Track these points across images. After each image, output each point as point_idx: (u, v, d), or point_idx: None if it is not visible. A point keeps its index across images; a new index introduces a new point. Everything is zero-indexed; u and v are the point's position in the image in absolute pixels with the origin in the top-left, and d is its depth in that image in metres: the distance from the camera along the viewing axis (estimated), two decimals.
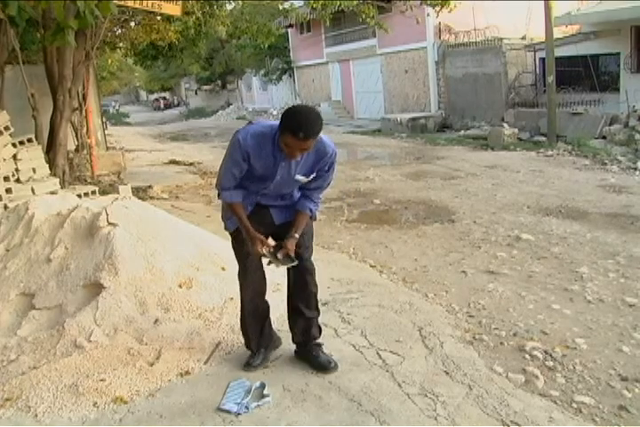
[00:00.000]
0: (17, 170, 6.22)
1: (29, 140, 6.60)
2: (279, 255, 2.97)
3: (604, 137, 12.38)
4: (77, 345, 3.36)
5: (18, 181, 6.23)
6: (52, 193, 5.84)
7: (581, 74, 14.43)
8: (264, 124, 2.88)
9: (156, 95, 51.25)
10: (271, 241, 3.06)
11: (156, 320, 3.57)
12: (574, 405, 2.90)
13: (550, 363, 3.33)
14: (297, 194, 3.11)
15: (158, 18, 10.40)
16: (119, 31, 11.98)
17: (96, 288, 3.66)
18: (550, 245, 5.65)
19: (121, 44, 13.73)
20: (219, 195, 3.06)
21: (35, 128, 7.39)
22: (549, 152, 11.80)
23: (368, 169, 11.01)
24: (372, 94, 22.84)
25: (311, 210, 3.09)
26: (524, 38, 16.78)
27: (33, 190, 6.14)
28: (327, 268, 4.85)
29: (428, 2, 11.18)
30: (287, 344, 3.44)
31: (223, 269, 4.09)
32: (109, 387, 3.03)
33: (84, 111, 8.60)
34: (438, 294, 4.47)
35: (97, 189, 7.37)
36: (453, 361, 3.29)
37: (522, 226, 6.36)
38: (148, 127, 28.82)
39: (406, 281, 4.81)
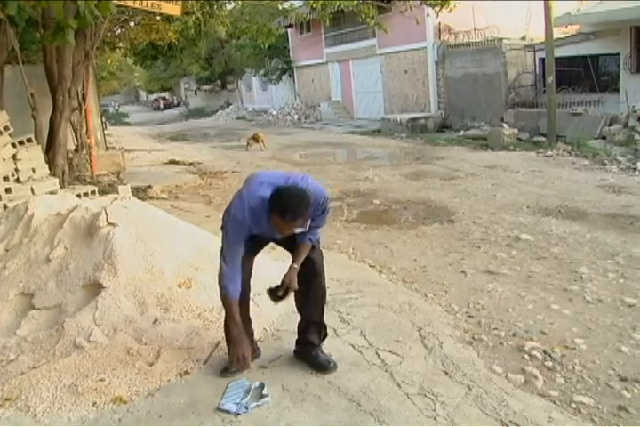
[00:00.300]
0: (16, 170, 6.22)
1: (29, 140, 6.60)
2: (279, 293, 3.02)
3: (603, 137, 12.38)
4: (77, 345, 3.36)
5: (17, 180, 6.23)
6: (52, 193, 5.84)
7: (581, 74, 14.44)
8: (255, 198, 2.84)
9: (155, 95, 51.25)
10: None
11: (156, 320, 3.57)
12: (573, 405, 2.90)
13: (549, 363, 3.33)
14: None
15: (158, 18, 10.40)
16: (119, 31, 11.98)
17: (95, 288, 3.66)
18: (550, 245, 5.65)
19: (120, 44, 13.73)
20: (223, 292, 2.99)
21: (34, 128, 7.39)
22: (549, 152, 11.80)
23: (368, 169, 11.01)
24: (371, 94, 22.84)
25: (311, 239, 3.10)
26: (523, 38, 16.78)
27: (32, 190, 6.14)
28: (327, 268, 4.79)
29: (428, 2, 11.18)
30: (287, 344, 3.44)
31: None
32: (109, 387, 3.03)
33: (83, 111, 8.61)
34: (438, 294, 4.48)
35: (96, 189, 7.37)
36: (453, 361, 3.29)
37: (521, 226, 6.37)
38: (147, 127, 28.82)
39: (406, 281, 4.81)
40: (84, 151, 8.75)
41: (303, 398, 2.94)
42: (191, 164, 12.81)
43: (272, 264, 4.39)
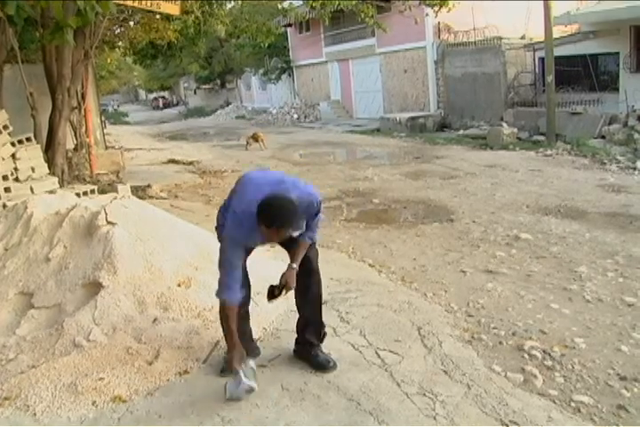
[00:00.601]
0: (16, 169, 6.21)
1: (28, 140, 6.60)
2: (276, 292, 3.02)
3: (603, 137, 12.38)
4: (76, 344, 3.35)
5: (17, 180, 6.23)
6: (51, 192, 5.83)
7: (580, 73, 14.43)
8: (247, 213, 2.78)
9: (155, 94, 51.22)
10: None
11: (155, 319, 3.57)
12: (573, 404, 2.90)
13: (549, 362, 3.33)
14: None
15: (157, 17, 10.39)
16: (118, 30, 11.96)
17: (95, 287, 3.66)
18: (549, 244, 5.65)
19: (120, 43, 13.71)
20: (221, 302, 2.95)
21: (33, 127, 7.38)
22: (548, 152, 11.80)
23: (367, 168, 11.01)
24: (371, 94, 22.83)
25: (310, 238, 3.11)
26: (523, 38, 16.78)
27: (32, 189, 6.13)
28: (326, 267, 4.81)
29: (427, 2, 11.17)
30: (285, 344, 3.44)
31: None
32: (108, 386, 3.03)
33: (82, 110, 8.59)
34: (437, 294, 4.48)
35: (96, 188, 7.37)
36: (452, 360, 3.29)
37: (521, 225, 6.37)
38: (146, 126, 28.80)
39: (405, 280, 4.81)
40: (84, 150, 8.73)
41: (302, 397, 2.94)
42: (190, 163, 12.81)
43: (271, 263, 4.39)
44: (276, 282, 3.06)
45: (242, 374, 2.85)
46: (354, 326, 3.75)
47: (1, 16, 6.14)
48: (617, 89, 13.86)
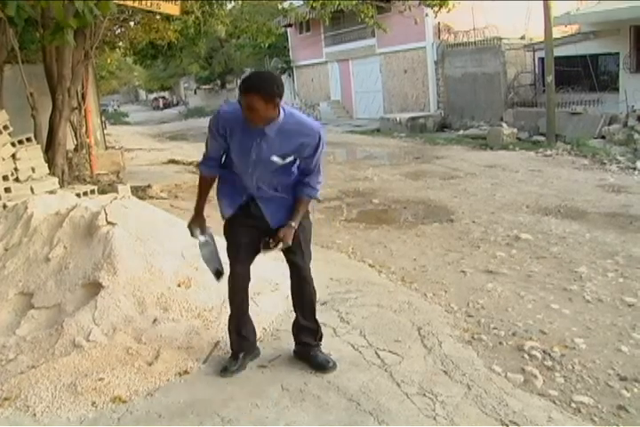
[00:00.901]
0: (16, 169, 6.21)
1: (28, 140, 6.60)
2: (271, 245, 2.96)
3: (603, 137, 12.38)
4: (76, 344, 3.35)
5: (17, 180, 6.23)
6: (51, 192, 5.83)
7: (580, 74, 14.44)
8: (232, 103, 2.91)
9: (155, 95, 51.23)
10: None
11: (155, 320, 3.57)
12: (573, 404, 2.90)
13: (549, 363, 3.33)
14: (294, 184, 3.03)
15: (157, 17, 10.38)
16: (118, 30, 11.95)
17: (95, 288, 3.66)
18: (549, 244, 5.65)
19: (120, 44, 13.70)
20: (200, 171, 3.18)
21: (34, 127, 7.38)
22: (548, 152, 11.80)
23: (367, 169, 11.01)
24: (371, 94, 22.84)
25: (308, 194, 3.00)
26: (523, 38, 16.78)
27: (32, 190, 6.13)
28: (326, 267, 4.84)
29: (427, 2, 11.16)
30: (285, 344, 3.43)
31: None
32: (108, 386, 3.03)
33: (83, 111, 8.59)
34: (437, 294, 4.47)
35: (96, 188, 7.37)
36: (452, 361, 3.29)
37: (521, 226, 6.36)
38: (147, 127, 28.81)
39: (405, 281, 4.81)
40: (84, 151, 8.73)
41: (303, 397, 2.94)
42: (191, 163, 12.77)
43: (270, 264, 4.39)
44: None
45: (197, 233, 3.15)
46: (354, 327, 3.75)
47: (1, 16, 6.14)
48: (617, 89, 13.87)
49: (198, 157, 3.29)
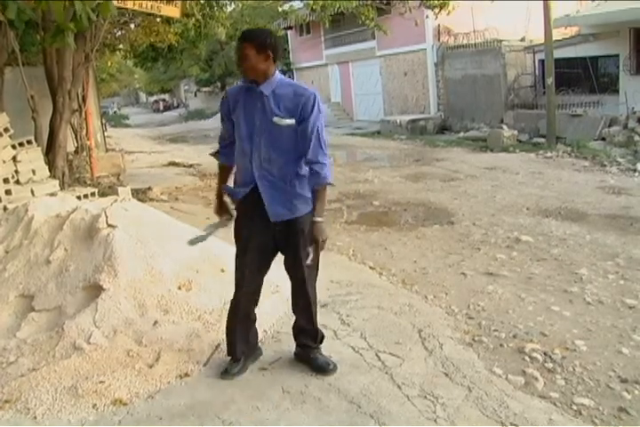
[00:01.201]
0: (16, 171, 6.21)
1: (29, 142, 6.59)
2: (310, 251, 2.97)
3: (603, 139, 12.39)
4: (77, 347, 3.35)
5: (17, 182, 6.22)
6: (52, 195, 5.83)
7: (580, 75, 14.45)
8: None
9: (155, 97, 51.26)
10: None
11: (156, 322, 3.57)
12: (574, 407, 2.90)
13: (550, 365, 3.33)
14: (299, 173, 2.98)
15: (158, 20, 10.39)
16: (119, 33, 11.96)
17: (95, 290, 3.65)
18: (550, 246, 5.65)
19: (121, 46, 13.72)
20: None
21: (34, 130, 7.38)
22: (549, 154, 11.81)
23: (367, 171, 11.02)
24: (371, 96, 22.86)
25: (317, 183, 2.93)
26: (523, 40, 16.80)
27: (32, 192, 6.13)
28: (326, 269, 4.82)
29: (427, 3, 11.19)
30: (286, 347, 3.43)
31: (222, 270, 4.09)
32: (109, 389, 3.02)
33: (83, 113, 8.59)
34: (438, 296, 4.47)
35: (96, 190, 7.36)
36: (453, 363, 3.29)
37: (521, 228, 6.36)
38: (147, 129, 28.84)
39: (406, 283, 4.81)
40: (84, 153, 8.73)
41: (303, 400, 2.94)
42: (191, 165, 12.80)
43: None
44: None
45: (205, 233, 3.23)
46: (354, 329, 3.75)
47: (2, 19, 6.15)
48: (617, 91, 13.88)
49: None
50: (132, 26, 11.30)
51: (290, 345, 3.37)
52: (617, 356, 3.41)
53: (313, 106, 2.87)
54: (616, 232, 6.00)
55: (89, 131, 8.80)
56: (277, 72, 2.92)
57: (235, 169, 3.16)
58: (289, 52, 28.26)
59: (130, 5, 7.29)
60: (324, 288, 4.18)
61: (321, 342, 3.29)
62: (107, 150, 11.53)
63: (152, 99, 53.01)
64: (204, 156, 14.67)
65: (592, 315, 4.02)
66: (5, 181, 6.08)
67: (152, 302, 3.66)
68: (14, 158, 6.20)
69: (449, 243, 5.98)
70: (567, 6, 15.32)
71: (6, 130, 6.15)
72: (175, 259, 3.98)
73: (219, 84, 38.16)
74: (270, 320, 3.81)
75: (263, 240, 3.03)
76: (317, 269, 3.19)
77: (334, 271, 4.93)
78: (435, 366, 3.27)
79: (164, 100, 49.57)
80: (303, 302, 3.19)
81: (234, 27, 12.87)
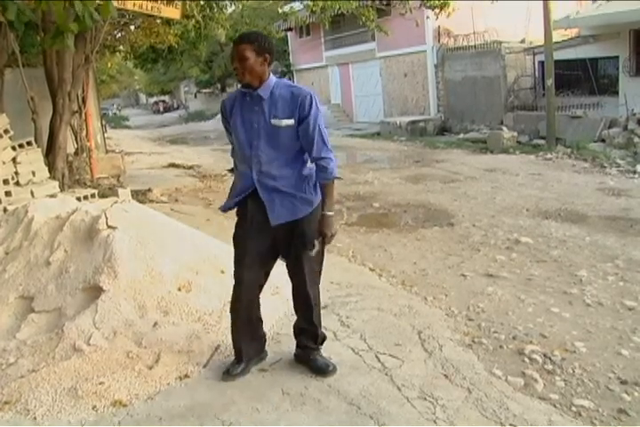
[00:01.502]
0: (16, 173, 6.21)
1: (29, 144, 6.60)
2: (317, 243, 3.03)
3: (603, 140, 12.40)
4: (76, 348, 3.35)
5: (17, 184, 6.23)
6: (52, 196, 5.84)
7: (580, 77, 14.47)
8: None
9: (155, 98, 51.25)
10: None
11: (155, 324, 3.57)
12: (573, 408, 2.90)
13: (549, 366, 3.33)
14: (300, 173, 3.02)
15: (158, 21, 10.40)
16: (119, 34, 11.98)
17: (95, 291, 3.65)
18: (549, 248, 5.65)
19: (121, 48, 13.74)
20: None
21: (34, 131, 7.39)
22: (548, 155, 11.81)
23: (367, 172, 11.02)
24: (371, 98, 22.88)
25: (324, 178, 3.05)
26: (523, 41, 16.82)
27: (32, 193, 6.13)
28: (326, 271, 4.78)
29: (428, 3, 11.19)
30: (286, 348, 3.43)
31: (222, 272, 4.09)
32: (108, 390, 3.02)
33: (83, 114, 8.60)
34: (437, 298, 4.47)
35: (96, 192, 7.37)
36: (453, 364, 3.29)
37: (521, 229, 6.37)
38: (147, 130, 28.85)
39: (405, 284, 4.81)
40: (84, 154, 8.73)
41: (303, 401, 2.94)
42: (191, 167, 12.81)
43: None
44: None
45: None
46: (354, 330, 3.75)
47: (2, 20, 6.16)
48: (617, 93, 13.89)
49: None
50: (132, 27, 11.32)
51: (290, 346, 3.37)
52: (616, 357, 3.42)
53: (311, 104, 2.88)
54: (616, 234, 6.00)
55: (89, 132, 8.81)
56: (272, 75, 2.93)
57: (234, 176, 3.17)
58: (289, 54, 28.28)
59: (130, 6, 7.30)
60: (323, 290, 4.15)
61: (322, 343, 3.29)
62: (107, 152, 11.53)
63: (152, 100, 53.01)
64: (203, 157, 14.73)
65: (592, 316, 4.02)
66: (5, 182, 6.08)
67: (152, 303, 3.66)
68: (14, 160, 6.20)
69: (449, 244, 5.98)
70: (567, 8, 15.34)
71: (6, 131, 6.15)
72: (175, 260, 3.99)
73: (219, 85, 38.18)
74: (270, 322, 3.81)
75: (263, 244, 3.03)
76: (321, 269, 3.20)
77: (334, 273, 4.93)
78: (434, 367, 3.26)
79: (163, 101, 49.56)
80: (304, 303, 3.19)
81: (234, 28, 12.90)
